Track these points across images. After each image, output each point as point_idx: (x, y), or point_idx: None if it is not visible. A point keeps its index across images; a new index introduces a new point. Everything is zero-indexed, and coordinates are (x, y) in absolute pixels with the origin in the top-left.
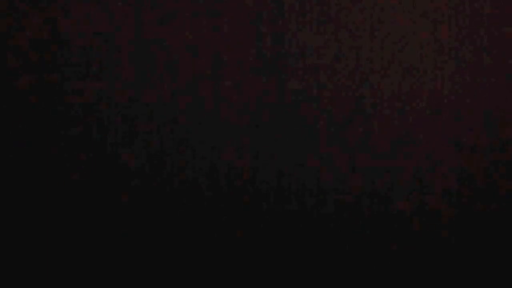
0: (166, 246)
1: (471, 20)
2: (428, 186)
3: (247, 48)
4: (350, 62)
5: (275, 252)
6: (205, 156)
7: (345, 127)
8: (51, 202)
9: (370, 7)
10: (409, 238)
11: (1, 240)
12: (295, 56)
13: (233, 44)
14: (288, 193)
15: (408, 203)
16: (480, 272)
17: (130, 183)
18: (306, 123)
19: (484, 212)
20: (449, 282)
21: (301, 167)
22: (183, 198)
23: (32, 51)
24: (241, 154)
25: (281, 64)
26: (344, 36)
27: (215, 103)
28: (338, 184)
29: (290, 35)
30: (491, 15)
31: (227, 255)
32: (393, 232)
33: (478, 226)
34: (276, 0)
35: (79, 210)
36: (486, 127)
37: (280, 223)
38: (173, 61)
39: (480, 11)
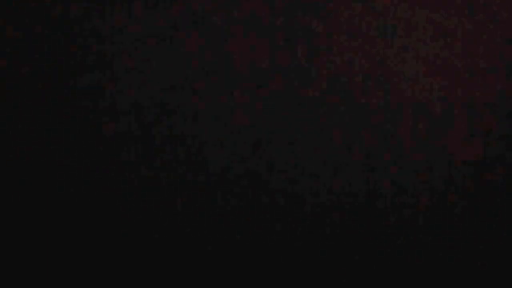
0: (176, 252)
1: (487, 25)
2: (442, 180)
3: (261, 54)
4: (365, 67)
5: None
6: (218, 162)
7: (360, 131)
8: (59, 208)
9: (385, 12)
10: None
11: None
12: (309, 61)
13: (246, 50)
14: (302, 197)
15: (424, 204)
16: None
17: (142, 189)
18: (322, 129)
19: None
20: (460, 279)
21: (316, 172)
22: (196, 204)
23: (46, 54)
24: (255, 159)
25: (296, 70)
26: (359, 43)
27: (229, 109)
28: (355, 187)
29: (303, 38)
30: (506, 19)
31: (241, 262)
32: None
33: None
34: (289, 6)
35: (88, 216)
36: (499, 124)
37: (294, 228)
38: (187, 67)
39: (495, 15)
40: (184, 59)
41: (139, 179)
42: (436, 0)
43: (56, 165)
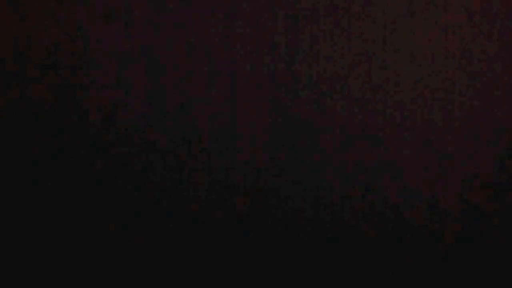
0: (177, 258)
1: (484, 30)
2: (437, 190)
3: (261, 58)
4: (362, 71)
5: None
6: (219, 164)
7: (357, 136)
8: (64, 211)
9: (382, 16)
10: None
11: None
12: (308, 65)
13: (248, 54)
14: (300, 200)
15: (416, 211)
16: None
17: (146, 191)
18: (319, 132)
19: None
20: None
21: (313, 176)
22: (199, 208)
23: (49, 58)
24: (254, 161)
25: (294, 73)
26: (357, 46)
27: (229, 111)
28: (352, 192)
29: (303, 45)
30: (504, 24)
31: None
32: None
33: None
34: (290, 9)
35: (92, 219)
36: (497, 134)
37: (293, 231)
38: (189, 71)
39: (493, 21)
40: None
41: (155, 188)
42: None
43: (72, 172)
